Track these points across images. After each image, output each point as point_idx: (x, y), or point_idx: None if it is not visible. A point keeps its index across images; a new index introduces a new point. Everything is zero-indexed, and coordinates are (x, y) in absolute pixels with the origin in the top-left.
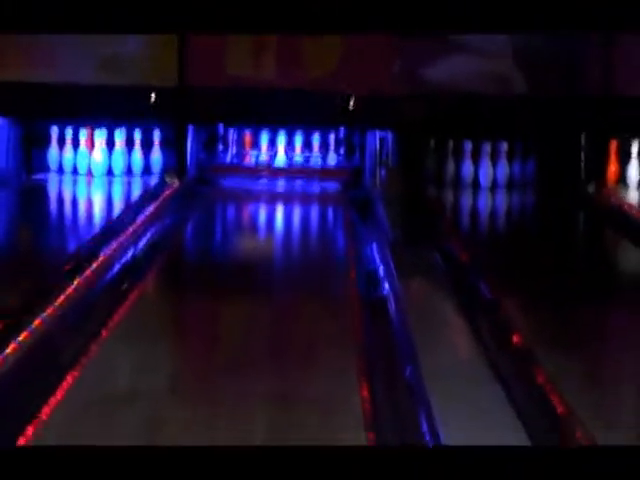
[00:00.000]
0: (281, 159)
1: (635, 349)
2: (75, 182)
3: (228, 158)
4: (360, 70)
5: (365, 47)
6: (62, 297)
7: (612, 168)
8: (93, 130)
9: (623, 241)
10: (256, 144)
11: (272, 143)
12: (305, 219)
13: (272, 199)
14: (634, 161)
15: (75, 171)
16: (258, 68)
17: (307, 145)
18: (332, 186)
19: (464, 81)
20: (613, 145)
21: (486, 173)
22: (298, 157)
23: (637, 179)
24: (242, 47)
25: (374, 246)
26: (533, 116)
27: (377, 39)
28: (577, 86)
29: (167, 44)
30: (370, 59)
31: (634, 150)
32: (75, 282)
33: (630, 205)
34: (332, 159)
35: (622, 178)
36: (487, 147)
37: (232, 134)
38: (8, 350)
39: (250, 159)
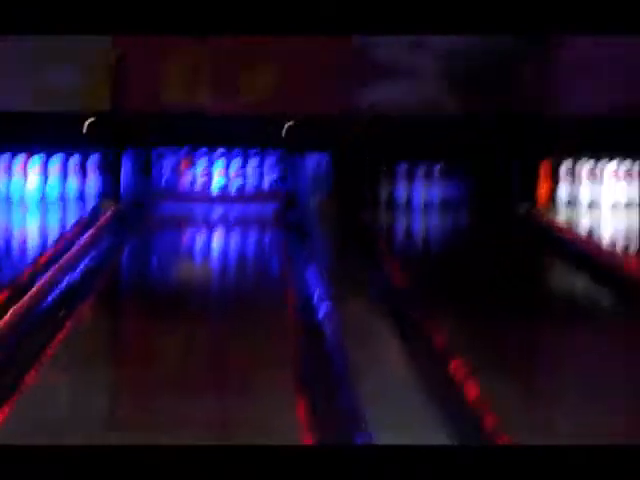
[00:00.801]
0: (216, 183)
1: (568, 365)
2: (9, 210)
3: (163, 183)
4: (295, 94)
5: (300, 72)
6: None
7: (543, 188)
8: (28, 157)
9: (554, 259)
10: (191, 169)
11: (207, 168)
12: (242, 243)
13: (208, 223)
14: (563, 181)
15: (8, 199)
16: (192, 94)
17: (242, 169)
18: (268, 209)
19: (397, 104)
20: (544, 166)
21: (420, 194)
22: (234, 181)
23: (566, 199)
24: (176, 74)
25: (310, 269)
26: (465, 137)
27: (312, 63)
28: (509, 108)
29: (102, 71)
30: (305, 84)
31: (563, 171)
32: (10, 311)
33: (560, 224)
34: (267, 183)
35: (552, 198)
36: (420, 168)
37: (167, 159)
38: None
39: (185, 184)
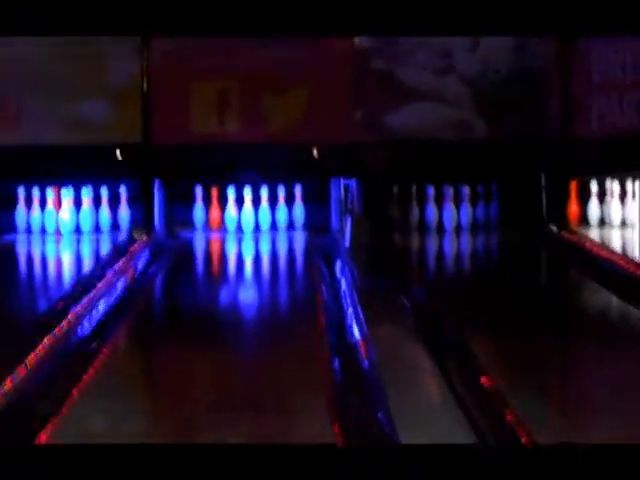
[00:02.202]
0: (247, 212)
1: (601, 385)
2: (44, 241)
3: (195, 213)
4: (322, 121)
5: (326, 98)
6: (32, 356)
7: (573, 208)
8: (60, 189)
9: (586, 279)
10: (223, 198)
11: (239, 197)
12: (274, 268)
13: (240, 251)
14: (594, 200)
15: (43, 230)
16: (221, 124)
17: (273, 198)
18: (300, 235)
19: (425, 127)
20: (573, 185)
21: (450, 216)
22: (264, 210)
23: (597, 218)
24: (205, 104)
25: (342, 293)
26: (494, 159)
27: (337, 89)
28: (536, 129)
29: (131, 102)
30: (331, 109)
31: (593, 189)
32: (45, 341)
33: (591, 244)
34: (298, 210)
35: (583, 217)
36: (450, 191)
37: (199, 189)
38: None
39: (216, 214)
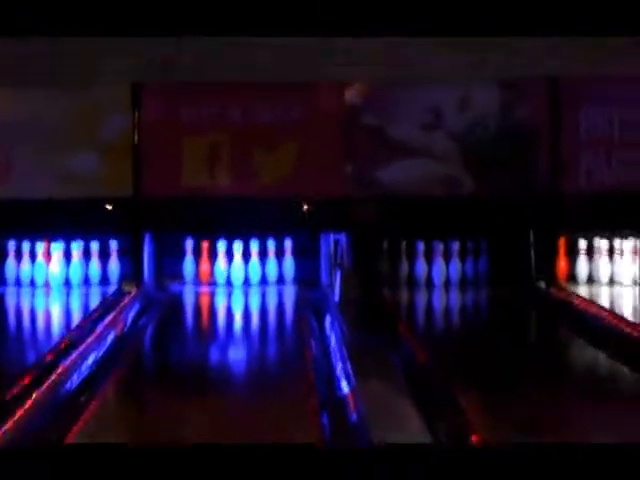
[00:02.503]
0: (237, 266)
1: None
2: (33, 294)
3: (185, 266)
4: (312, 175)
5: (316, 153)
6: (21, 411)
7: (561, 264)
8: (50, 242)
9: (574, 336)
10: (213, 252)
11: (229, 251)
12: (263, 322)
13: (229, 305)
14: (582, 257)
15: (33, 283)
16: (212, 178)
17: (263, 251)
18: (288, 291)
19: (414, 183)
20: (562, 242)
21: (439, 272)
22: (254, 264)
23: (586, 275)
24: (196, 158)
25: (331, 348)
26: (481, 215)
27: (327, 144)
28: (524, 185)
29: (122, 156)
30: (321, 164)
31: (582, 246)
32: (34, 394)
33: (580, 300)
34: (288, 264)
35: (571, 274)
36: (439, 246)
37: (189, 242)
38: None
39: (206, 268)
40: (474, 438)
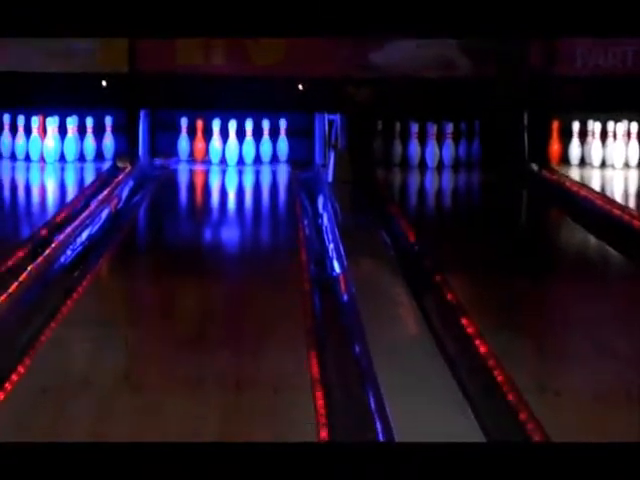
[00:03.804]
0: (232, 146)
1: (579, 325)
2: (28, 169)
3: (180, 144)
4: (307, 57)
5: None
6: (15, 284)
7: (554, 147)
8: (45, 117)
9: (565, 218)
10: (208, 130)
11: (224, 130)
12: (257, 201)
13: (224, 183)
14: (575, 140)
15: (28, 158)
16: (207, 58)
17: (257, 131)
18: (282, 171)
19: (410, 65)
20: (555, 125)
21: (432, 154)
22: (249, 143)
23: (578, 157)
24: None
25: (324, 227)
26: (476, 98)
27: None
28: (520, 66)
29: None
30: (317, 46)
31: (575, 129)
32: (29, 268)
33: (572, 182)
34: (282, 144)
35: (564, 157)
36: (433, 128)
37: (184, 120)
38: None
39: (201, 145)
40: (464, 321)
